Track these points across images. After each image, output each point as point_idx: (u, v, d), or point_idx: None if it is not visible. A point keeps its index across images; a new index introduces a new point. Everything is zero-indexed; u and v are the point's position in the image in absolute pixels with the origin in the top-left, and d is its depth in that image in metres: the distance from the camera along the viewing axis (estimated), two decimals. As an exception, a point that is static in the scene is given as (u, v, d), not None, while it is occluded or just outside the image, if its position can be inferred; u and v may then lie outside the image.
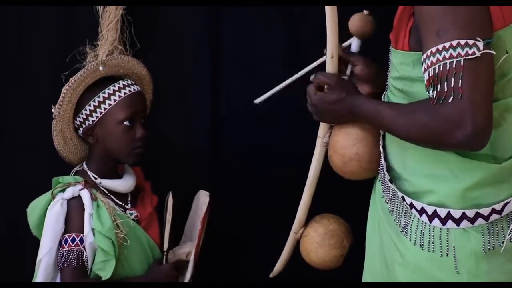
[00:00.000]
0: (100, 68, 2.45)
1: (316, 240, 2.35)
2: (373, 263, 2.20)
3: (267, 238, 2.73)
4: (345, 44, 2.28)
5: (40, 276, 2.37)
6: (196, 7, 2.71)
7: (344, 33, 2.25)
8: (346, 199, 2.56)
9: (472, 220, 1.95)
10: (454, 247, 1.96)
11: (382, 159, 2.13)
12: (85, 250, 2.37)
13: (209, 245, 2.61)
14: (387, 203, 2.11)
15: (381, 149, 2.15)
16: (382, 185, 2.15)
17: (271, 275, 2.51)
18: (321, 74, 2.20)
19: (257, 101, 2.39)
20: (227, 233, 2.76)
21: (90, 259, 2.38)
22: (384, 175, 2.12)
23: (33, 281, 2.42)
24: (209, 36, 2.76)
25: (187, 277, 2.51)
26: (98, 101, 2.46)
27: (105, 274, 2.36)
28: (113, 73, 2.51)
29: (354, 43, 2.29)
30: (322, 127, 2.29)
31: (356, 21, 2.26)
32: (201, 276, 2.59)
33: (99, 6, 2.54)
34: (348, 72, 2.28)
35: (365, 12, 2.27)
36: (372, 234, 2.22)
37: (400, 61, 2.02)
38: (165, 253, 2.51)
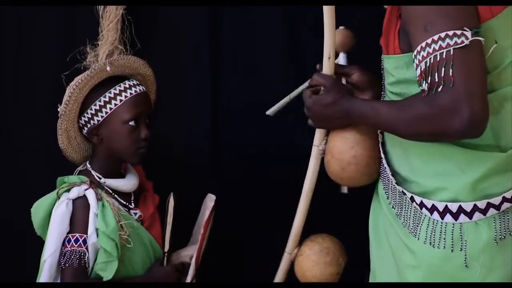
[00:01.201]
0: (108, 68, 2.45)
1: (312, 258, 2.35)
2: (385, 273, 2.17)
3: (267, 238, 2.73)
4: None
5: (44, 276, 2.37)
6: (196, 7, 2.71)
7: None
8: (341, 213, 2.57)
9: (484, 211, 1.95)
10: (466, 241, 1.96)
11: (385, 164, 2.13)
12: (87, 252, 2.36)
13: (209, 246, 2.61)
14: (394, 208, 2.10)
15: (382, 155, 2.14)
16: (386, 192, 2.14)
17: None
18: (318, 75, 2.20)
19: (269, 112, 2.40)
20: (227, 233, 2.75)
21: (92, 259, 2.37)
22: (389, 180, 2.11)
23: (37, 281, 2.41)
24: (209, 36, 2.77)
25: (188, 280, 2.50)
26: (104, 101, 2.45)
27: (107, 275, 2.35)
28: (119, 73, 2.50)
29: (341, 58, 2.31)
30: (318, 135, 2.28)
31: (336, 37, 2.26)
32: (201, 276, 2.59)
33: (99, 6, 2.54)
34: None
35: (341, 28, 2.29)
36: (379, 244, 2.20)
37: (394, 66, 2.03)
38: (165, 255, 2.51)
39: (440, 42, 1.84)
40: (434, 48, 1.84)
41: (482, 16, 1.91)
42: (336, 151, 2.19)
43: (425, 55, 1.86)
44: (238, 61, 2.78)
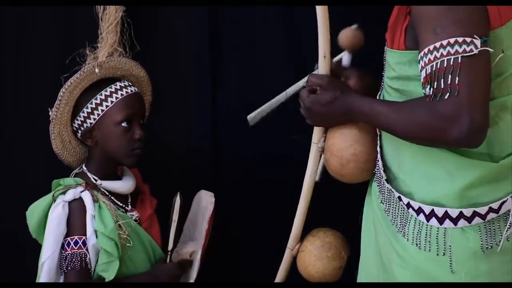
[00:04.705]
0: (96, 70, 2.44)
1: (313, 253, 2.35)
2: (369, 265, 2.21)
3: (267, 239, 2.74)
4: (336, 58, 2.28)
5: (43, 279, 2.37)
6: (196, 8, 2.70)
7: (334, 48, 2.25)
8: (341, 208, 2.57)
9: (469, 219, 1.96)
10: (450, 246, 1.97)
11: (379, 159, 2.14)
12: (88, 253, 2.36)
13: (209, 245, 2.61)
14: (383, 203, 2.12)
15: (378, 149, 2.15)
16: (378, 185, 2.15)
17: None
18: (313, 76, 2.19)
19: (251, 122, 2.41)
20: (226, 233, 2.76)
21: (93, 260, 2.38)
22: (381, 175, 2.12)
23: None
24: (209, 36, 2.76)
25: (193, 276, 2.51)
26: (96, 103, 2.45)
27: (109, 275, 2.36)
28: (110, 75, 2.49)
29: (345, 57, 2.29)
30: (317, 132, 2.28)
31: (347, 36, 2.25)
32: (201, 276, 2.60)
33: (99, 8, 2.54)
34: None
35: (354, 26, 2.27)
36: (367, 236, 2.22)
37: (397, 61, 2.03)
38: (169, 253, 2.50)
39: (448, 48, 1.83)
40: (442, 53, 1.84)
41: (491, 24, 1.91)
42: (335, 149, 2.19)
43: (432, 58, 1.85)
44: (238, 61, 2.78)
